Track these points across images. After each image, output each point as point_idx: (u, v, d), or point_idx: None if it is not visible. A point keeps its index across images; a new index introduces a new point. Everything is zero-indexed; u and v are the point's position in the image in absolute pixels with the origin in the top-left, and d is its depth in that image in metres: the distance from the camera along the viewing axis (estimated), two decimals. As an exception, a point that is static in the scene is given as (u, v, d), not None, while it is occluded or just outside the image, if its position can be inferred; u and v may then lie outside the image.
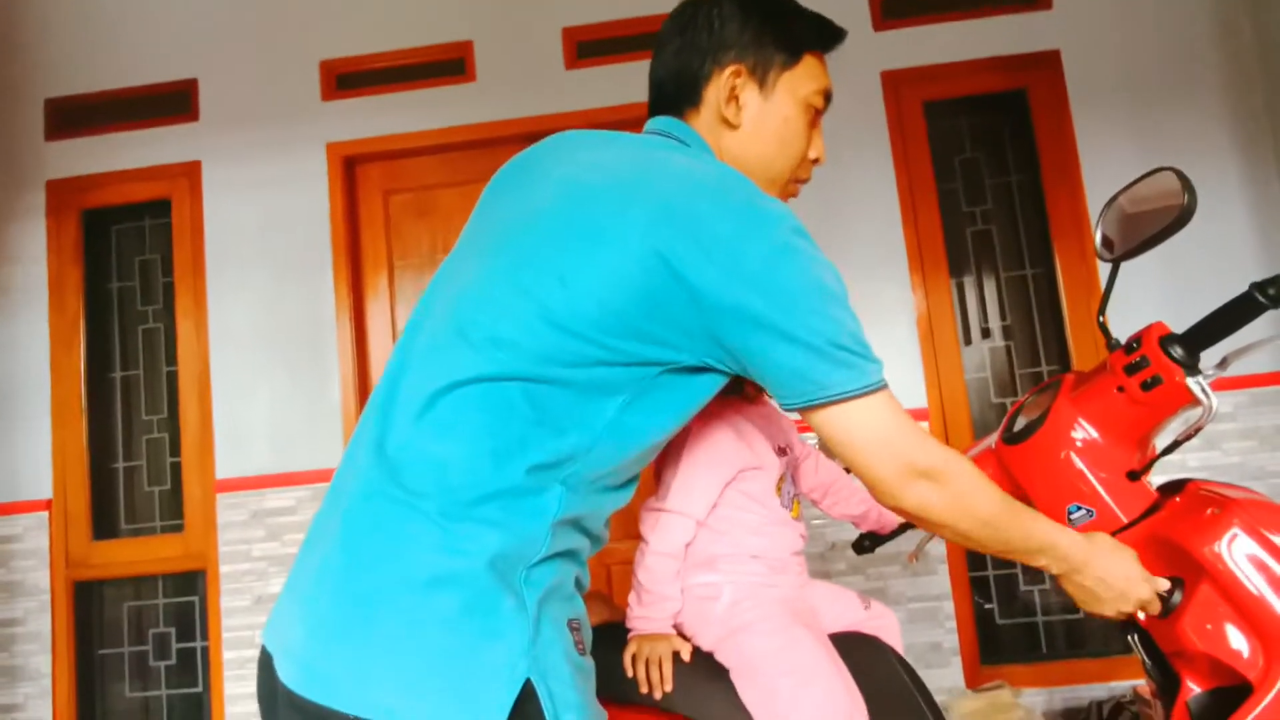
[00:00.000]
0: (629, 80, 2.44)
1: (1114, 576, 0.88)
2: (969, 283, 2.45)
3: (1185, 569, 0.96)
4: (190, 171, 2.50)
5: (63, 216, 2.52)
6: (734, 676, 0.95)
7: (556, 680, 0.64)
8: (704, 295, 0.67)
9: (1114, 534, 1.06)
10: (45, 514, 2.41)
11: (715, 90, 0.85)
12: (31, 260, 2.51)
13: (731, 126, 0.85)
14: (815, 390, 0.71)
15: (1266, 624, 0.89)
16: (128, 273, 2.60)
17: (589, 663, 0.71)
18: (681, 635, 1.01)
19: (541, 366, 0.67)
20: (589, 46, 2.47)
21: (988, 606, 2.35)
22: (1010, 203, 2.45)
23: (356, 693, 0.61)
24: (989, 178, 2.46)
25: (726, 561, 1.03)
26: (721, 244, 0.67)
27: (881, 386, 0.74)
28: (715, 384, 0.77)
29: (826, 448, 1.35)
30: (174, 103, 2.52)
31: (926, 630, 2.24)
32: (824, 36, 0.91)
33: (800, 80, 0.88)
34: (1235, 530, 0.92)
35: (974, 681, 2.23)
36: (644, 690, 0.93)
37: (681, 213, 0.68)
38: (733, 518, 1.04)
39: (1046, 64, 2.36)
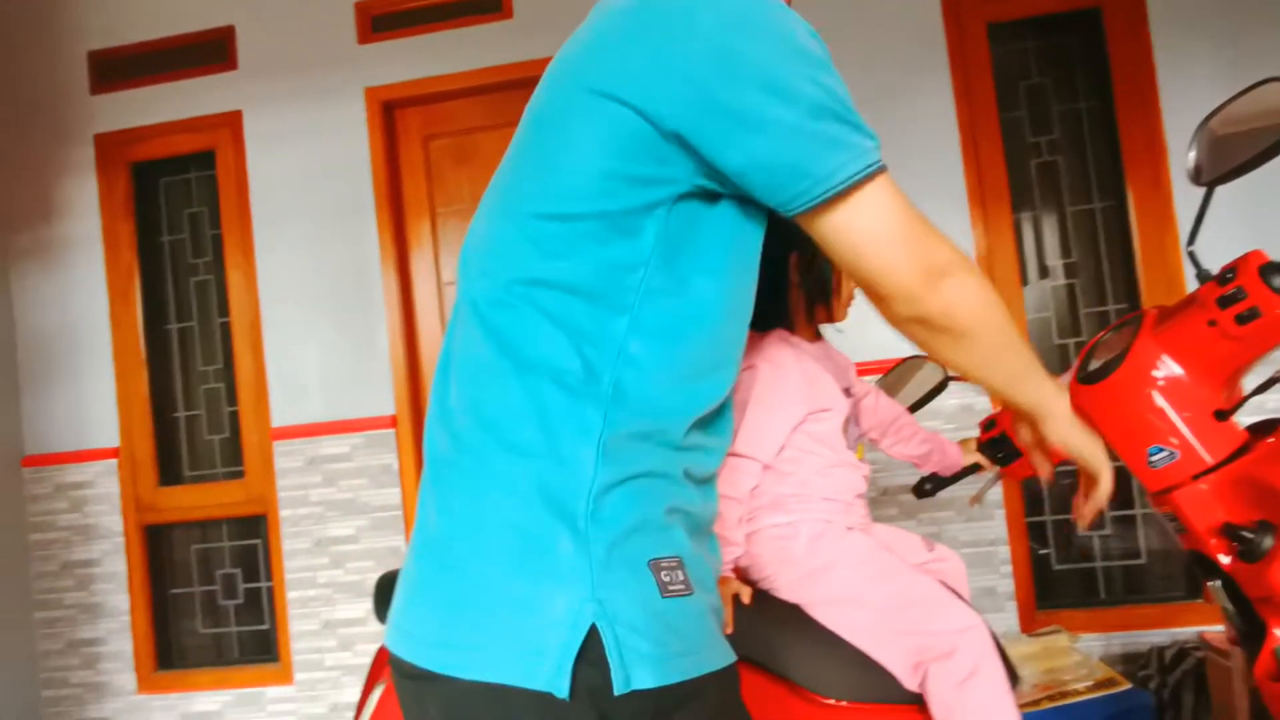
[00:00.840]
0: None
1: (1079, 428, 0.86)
2: (1032, 218, 2.32)
3: (1277, 512, 0.91)
4: (232, 121, 2.49)
5: (112, 170, 2.55)
6: (826, 609, 0.95)
7: (627, 628, 0.57)
8: (651, 105, 0.58)
9: (1199, 475, 1.00)
10: (114, 461, 2.51)
11: None
12: (85, 214, 2.56)
13: None
14: (813, 185, 0.59)
15: (1372, 571, 0.83)
16: (177, 225, 2.63)
17: (685, 604, 0.61)
18: (747, 579, 1.00)
19: (543, 265, 0.62)
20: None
21: (1043, 552, 2.30)
22: (1079, 131, 2.30)
23: (428, 643, 0.60)
24: (1057, 105, 2.31)
25: (797, 502, 1.01)
26: (651, 47, 0.59)
27: (884, 167, 0.62)
28: (738, 218, 0.65)
29: (886, 383, 1.30)
30: (212, 51, 2.50)
31: (982, 575, 2.20)
32: None
33: None
34: (1339, 472, 0.86)
35: (1029, 627, 2.19)
36: None
37: (613, 40, 0.62)
38: (801, 460, 1.02)
39: (1123, -23, 2.18)
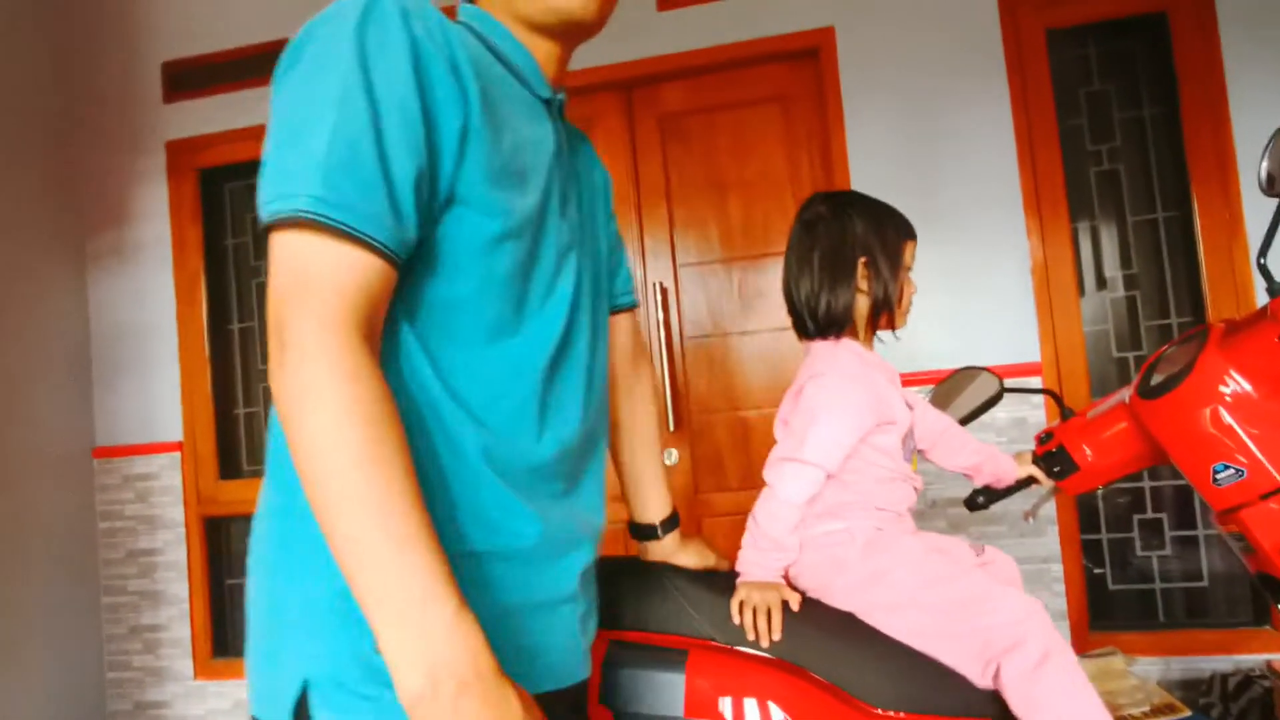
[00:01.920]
0: (721, 20, 2.35)
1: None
2: (1092, 228, 2.27)
3: (1356, 536, 0.87)
4: (295, 129, 2.58)
5: (181, 177, 2.66)
6: (884, 615, 0.95)
7: (334, 685, 0.58)
8: None
9: (1268, 495, 0.97)
10: (177, 455, 2.61)
11: None
12: (156, 219, 2.67)
13: None
14: (259, 208, 0.56)
15: None
16: (241, 229, 2.73)
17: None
18: (797, 587, 1.00)
19: None
20: (681, -15, 2.38)
21: (1098, 571, 2.23)
22: (1142, 140, 2.24)
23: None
24: (1119, 112, 2.25)
25: (852, 510, 1.01)
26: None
27: (302, 218, 0.53)
28: None
29: (939, 394, 1.29)
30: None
31: (1033, 593, 2.13)
32: None
33: None
34: None
35: (1083, 648, 2.13)
36: (750, 638, 0.93)
37: None
38: (862, 470, 1.02)
39: (1192, -19, 2.12)
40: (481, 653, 0.53)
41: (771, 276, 2.37)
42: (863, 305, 1.08)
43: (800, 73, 2.36)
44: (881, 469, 1.03)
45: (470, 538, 0.63)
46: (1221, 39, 2.11)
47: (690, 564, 1.03)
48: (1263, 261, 1.05)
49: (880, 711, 0.89)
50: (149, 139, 2.68)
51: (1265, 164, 1.05)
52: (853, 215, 1.09)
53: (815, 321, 1.08)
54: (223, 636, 2.62)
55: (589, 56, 2.38)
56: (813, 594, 1.00)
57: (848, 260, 1.07)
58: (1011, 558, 1.15)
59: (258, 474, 2.66)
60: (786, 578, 1.00)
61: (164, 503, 2.62)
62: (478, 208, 0.62)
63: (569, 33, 0.74)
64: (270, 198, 0.55)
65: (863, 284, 1.07)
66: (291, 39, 0.61)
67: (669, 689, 0.90)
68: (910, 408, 1.10)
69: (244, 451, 2.69)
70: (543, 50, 0.75)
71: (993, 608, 0.91)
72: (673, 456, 2.37)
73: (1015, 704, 0.88)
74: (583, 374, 0.74)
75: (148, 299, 2.67)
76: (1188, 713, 1.91)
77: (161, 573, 2.61)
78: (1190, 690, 2.05)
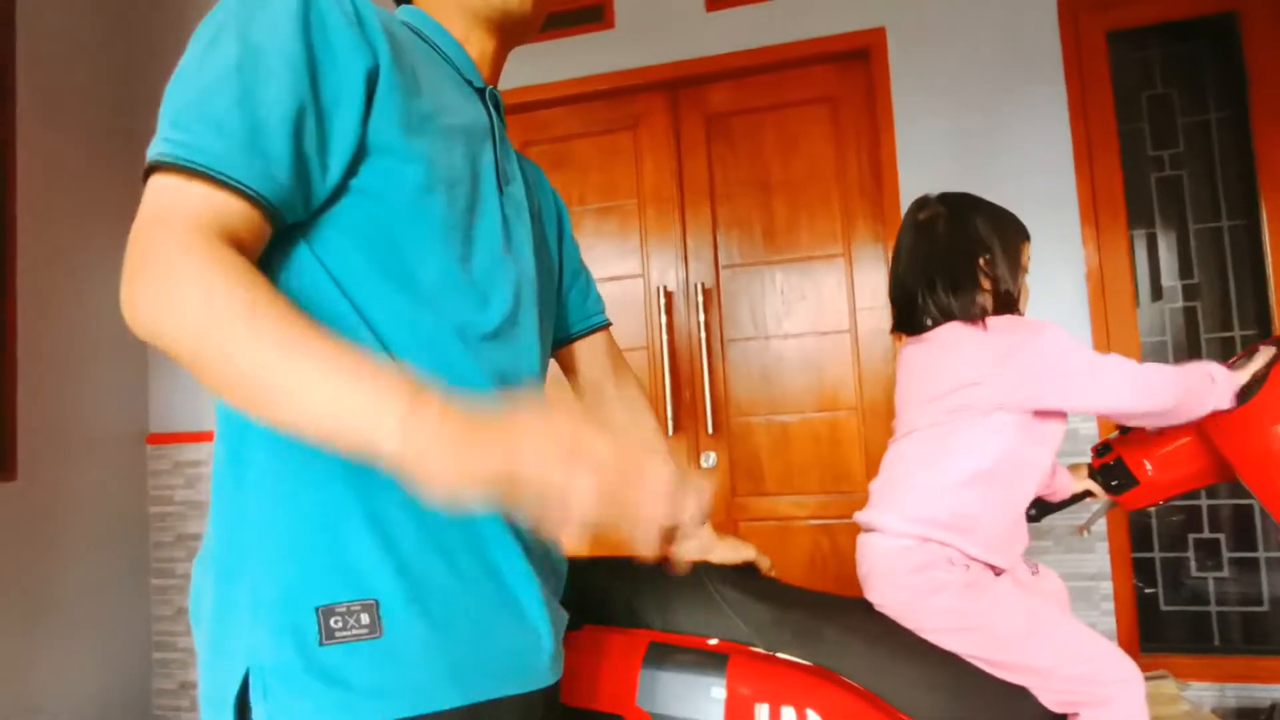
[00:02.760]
0: (770, 20, 2.33)
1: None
2: (1150, 236, 2.19)
3: None
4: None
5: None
6: (974, 658, 0.94)
7: (275, 678, 0.58)
8: None
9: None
10: (226, 442, 2.68)
11: None
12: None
13: None
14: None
15: None
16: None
17: (361, 648, 0.58)
18: (867, 586, 1.01)
19: None
20: (730, -14, 2.37)
21: (1149, 591, 2.15)
22: (1207, 145, 2.16)
23: None
24: (1182, 116, 2.17)
25: (977, 529, 1.00)
26: None
27: (168, 159, 0.54)
28: None
29: None
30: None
31: (1080, 611, 2.08)
32: None
33: None
34: None
35: (1132, 669, 2.06)
36: None
37: None
38: (1016, 472, 1.04)
39: (1265, -20, 2.04)
40: (450, 401, 0.49)
41: (816, 279, 2.34)
42: (985, 303, 1.06)
43: (849, 74, 2.33)
44: (1041, 464, 1.00)
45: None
46: (1296, 40, 2.02)
47: (729, 558, 1.01)
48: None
49: (926, 725, 0.87)
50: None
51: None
52: (973, 215, 1.09)
53: (941, 309, 1.06)
54: (264, 622, 2.67)
55: (636, 57, 2.39)
56: (883, 591, 0.98)
57: (969, 258, 1.06)
58: (1059, 577, 1.11)
59: (302, 464, 2.72)
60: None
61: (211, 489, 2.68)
62: (398, 155, 0.62)
63: (506, 27, 0.78)
64: (154, 143, 0.56)
65: (984, 282, 1.06)
66: None
67: (709, 693, 0.89)
68: None
69: (289, 441, 2.75)
70: (477, 46, 0.78)
71: (1089, 655, 0.89)
72: (710, 459, 2.35)
73: None
74: (530, 359, 0.74)
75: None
76: (1244, 742, 1.84)
77: (208, 557, 2.68)
78: (1247, 718, 1.97)
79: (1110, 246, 2.12)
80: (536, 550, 0.70)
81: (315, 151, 0.59)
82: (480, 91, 0.78)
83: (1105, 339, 2.11)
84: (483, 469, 0.47)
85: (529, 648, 0.66)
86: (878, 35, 2.24)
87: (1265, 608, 2.07)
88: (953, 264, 1.07)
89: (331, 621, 0.58)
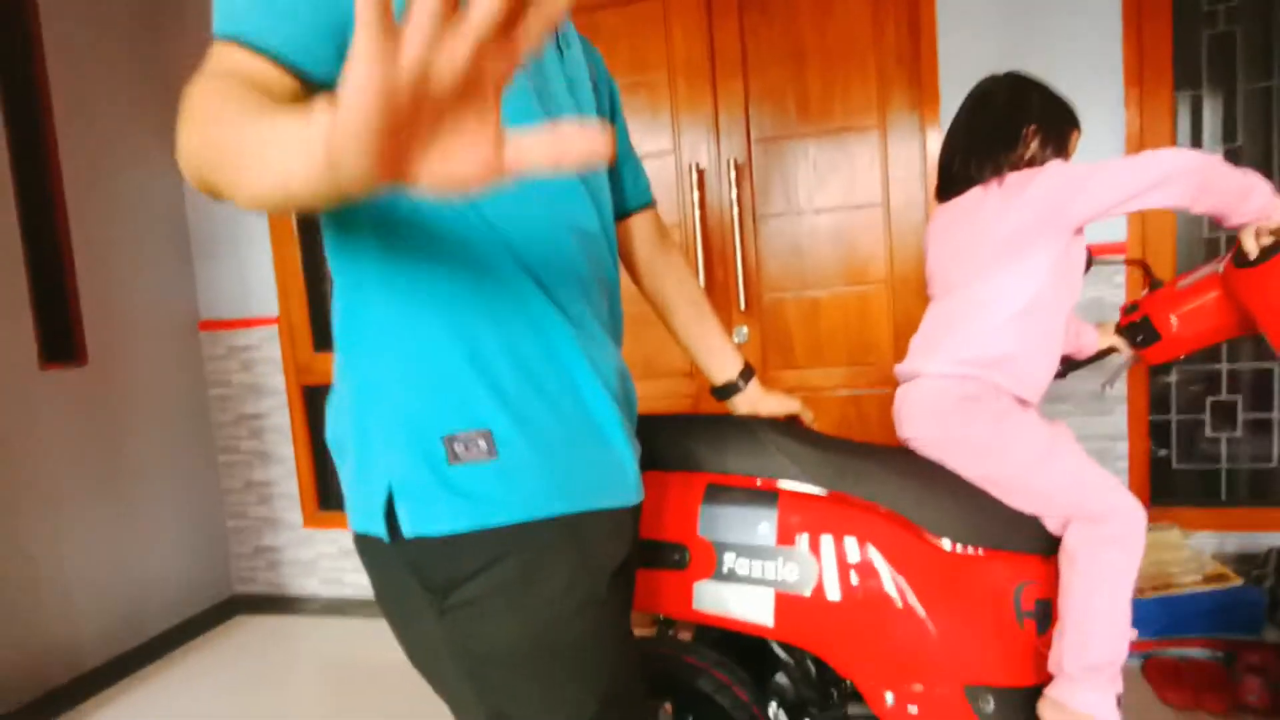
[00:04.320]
0: None
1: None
2: (1197, 99, 2.14)
3: None
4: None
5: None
6: (987, 479, 1.05)
7: (405, 489, 0.69)
8: None
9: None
10: (275, 328, 2.80)
11: None
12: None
13: None
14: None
15: None
16: (319, 108, 2.78)
17: (480, 469, 0.69)
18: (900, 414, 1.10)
19: None
20: None
21: (1163, 453, 2.26)
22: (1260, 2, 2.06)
23: None
24: (1241, -33, 2.07)
25: (1013, 366, 1.10)
26: None
27: (217, 40, 0.61)
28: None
29: None
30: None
31: (1094, 469, 2.20)
32: None
33: None
34: None
35: (1140, 521, 2.19)
36: None
37: None
38: (1053, 306, 1.11)
39: None
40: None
41: (849, 151, 2.33)
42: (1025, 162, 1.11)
43: (890, -71, 2.22)
44: (1070, 296, 1.08)
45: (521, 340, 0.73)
46: (1373, -123, 1.89)
47: (776, 410, 1.11)
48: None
49: (954, 546, 0.98)
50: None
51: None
52: (1031, 92, 1.15)
53: (974, 175, 1.11)
54: (326, 491, 2.89)
55: (664, -83, 2.28)
56: (918, 425, 1.08)
57: (1017, 126, 1.12)
58: (1073, 433, 1.20)
59: (348, 347, 2.84)
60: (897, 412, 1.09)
61: (265, 372, 2.83)
62: None
63: None
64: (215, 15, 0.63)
65: (1026, 151, 1.10)
66: None
67: (762, 524, 1.01)
68: None
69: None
70: None
71: (1091, 483, 0.98)
72: (742, 334, 2.43)
73: (1063, 556, 0.97)
74: (596, 189, 0.81)
75: (236, 179, 2.77)
76: (1239, 583, 1.99)
77: (269, 435, 2.86)
78: (1245, 564, 2.11)
79: (1152, 110, 2.08)
80: (619, 392, 0.80)
81: (342, 20, 0.62)
82: None
83: (1140, 207, 2.11)
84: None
85: (616, 471, 0.77)
86: (921, -116, 2.12)
87: (1274, 464, 2.17)
88: (1001, 129, 1.11)
89: (456, 447, 0.69)
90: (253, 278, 2.81)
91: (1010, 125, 1.11)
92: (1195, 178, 0.98)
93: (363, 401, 0.73)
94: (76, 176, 2.42)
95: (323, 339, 2.83)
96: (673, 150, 2.46)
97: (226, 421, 2.91)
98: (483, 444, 0.70)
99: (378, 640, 2.53)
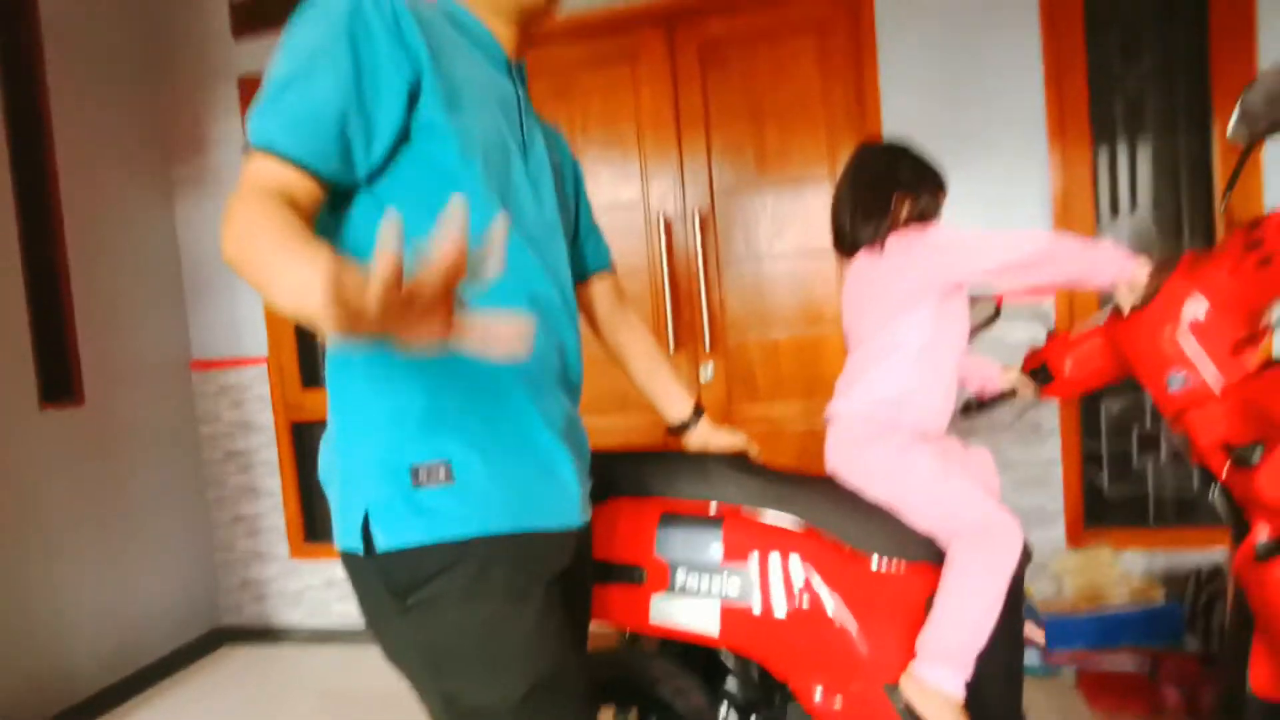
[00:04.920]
0: (762, -49, 2.42)
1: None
2: (1112, 155, 2.37)
3: (1269, 432, 1.07)
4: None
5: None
6: (892, 497, 1.20)
7: (380, 510, 0.84)
8: None
9: (1207, 401, 1.16)
10: (264, 367, 2.92)
11: None
12: (232, 148, 2.89)
13: None
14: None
15: (1335, 480, 1.00)
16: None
17: (442, 492, 0.84)
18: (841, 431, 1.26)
19: None
20: (722, -84, 2.45)
21: (1097, 480, 2.44)
22: (1171, 69, 2.30)
23: None
24: (1148, 41, 2.31)
25: (913, 402, 1.26)
26: None
27: (253, 146, 0.76)
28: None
29: None
30: None
31: (1032, 495, 2.38)
32: None
33: None
34: (1322, 400, 1.01)
35: (1076, 543, 2.37)
36: None
37: None
38: (942, 349, 1.27)
39: (1230, -95, 2.14)
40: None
41: (804, 201, 2.53)
42: (899, 228, 1.28)
43: (836, 4, 2.44)
44: (948, 340, 1.25)
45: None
46: (1256, -36, 2.14)
47: (726, 444, 1.27)
48: (1227, 199, 1.21)
49: (874, 562, 1.14)
50: (222, 74, 2.87)
51: (1238, 109, 1.19)
52: (899, 160, 1.32)
53: (859, 233, 1.30)
54: (312, 523, 2.99)
55: (633, -9, 2.49)
56: (837, 457, 1.24)
57: (886, 195, 1.30)
58: (990, 456, 1.36)
59: (335, 384, 2.97)
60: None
61: (255, 409, 2.95)
62: (440, 131, 0.82)
63: (524, 18, 0.96)
64: (247, 129, 0.79)
65: (897, 217, 1.28)
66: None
67: (710, 544, 1.16)
68: None
69: (322, 364, 2.99)
70: (502, 31, 0.96)
71: (967, 510, 1.13)
72: (708, 371, 2.60)
73: (947, 561, 1.12)
74: (554, 263, 0.96)
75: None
76: (1161, 599, 2.16)
77: (257, 470, 2.97)
78: (1172, 582, 2.29)
79: (1074, 166, 2.30)
80: (567, 435, 0.95)
81: (361, 137, 0.80)
82: (508, 67, 0.97)
83: (1066, 253, 2.32)
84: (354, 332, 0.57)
85: (561, 496, 0.92)
86: (862, -35, 2.35)
87: (1195, 490, 2.36)
88: (876, 197, 1.30)
89: (420, 473, 0.84)
90: (244, 319, 2.94)
91: (883, 193, 1.29)
92: (1053, 258, 1.16)
93: (346, 440, 0.88)
94: (78, 225, 2.56)
95: (311, 377, 2.96)
96: (641, 200, 2.64)
97: (215, 458, 3.01)
98: (442, 472, 0.84)
99: (363, 668, 2.63)
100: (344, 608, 2.94)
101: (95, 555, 2.54)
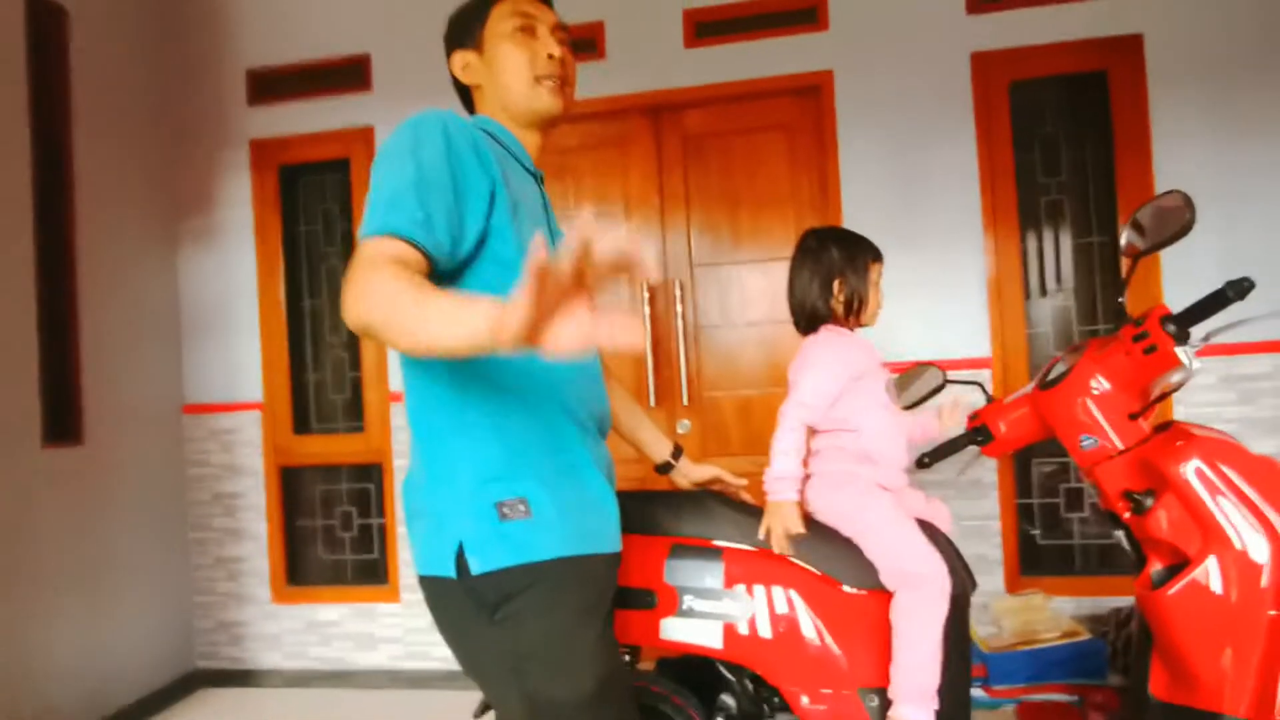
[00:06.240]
0: (740, 58, 2.77)
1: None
2: (1039, 247, 2.74)
3: (1159, 483, 1.35)
4: (365, 136, 2.98)
5: (264, 171, 3.05)
6: (854, 537, 1.41)
7: (473, 541, 1.00)
8: None
9: (1111, 458, 1.44)
10: (258, 413, 3.04)
11: (462, 78, 1.22)
12: (240, 206, 3.07)
13: (479, 85, 1.21)
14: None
15: (1206, 522, 1.28)
16: (313, 218, 3.13)
17: (523, 525, 1.00)
18: (805, 498, 1.47)
19: None
20: (706, 27, 2.80)
21: (1032, 532, 2.73)
22: (1084, 176, 2.70)
23: None
24: (1065, 151, 2.71)
25: (861, 463, 1.48)
26: None
27: (372, 235, 0.92)
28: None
29: (899, 382, 1.74)
30: (352, 75, 2.99)
31: (975, 544, 2.65)
32: None
33: (496, 24, 1.18)
34: (1194, 458, 1.30)
35: (1013, 589, 2.64)
36: (777, 550, 1.39)
37: None
38: (863, 415, 1.49)
39: (1128, 48, 2.57)
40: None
41: (773, 277, 2.83)
42: (838, 308, 1.52)
43: (803, 106, 2.79)
44: (879, 410, 1.48)
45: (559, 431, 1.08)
46: (1150, 95, 2.57)
47: (704, 476, 1.51)
48: (1121, 300, 1.52)
49: (847, 588, 1.37)
50: (235, 137, 3.06)
51: (1125, 233, 1.51)
52: (831, 245, 1.55)
53: (805, 320, 1.54)
54: (295, 567, 3.07)
55: (625, 84, 2.80)
56: (814, 502, 1.46)
57: (825, 280, 1.53)
58: (947, 509, 1.60)
59: (326, 430, 3.10)
60: (803, 494, 1.46)
61: (245, 453, 3.05)
62: (505, 234, 1.02)
63: (544, 124, 1.19)
64: (359, 232, 0.96)
65: (839, 295, 1.52)
66: (386, 135, 1.04)
67: (714, 572, 1.37)
68: (884, 368, 1.55)
69: (314, 411, 3.12)
70: (529, 140, 1.19)
71: (904, 554, 1.35)
72: (685, 426, 2.83)
73: (893, 611, 1.34)
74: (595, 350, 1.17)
75: (231, 276, 3.07)
76: (1088, 636, 2.43)
77: (243, 513, 3.05)
78: (1096, 622, 2.57)
79: (1005, 255, 2.66)
80: (607, 473, 1.16)
81: (459, 232, 1.01)
82: (535, 176, 1.20)
83: (1001, 330, 2.66)
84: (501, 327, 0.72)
85: (609, 527, 1.12)
86: (827, 77, 2.71)
87: (1113, 540, 2.67)
88: (813, 285, 1.53)
89: (504, 510, 1.01)
90: (239, 365, 3.06)
91: (822, 280, 1.52)
92: (774, 442, 1.46)
93: (435, 483, 1.06)
94: (89, 270, 2.68)
95: (302, 423, 3.08)
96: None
97: (202, 500, 3.08)
98: (522, 508, 1.01)
99: (339, 711, 2.70)
100: (323, 651, 3.01)
101: (77, 594, 2.58)
